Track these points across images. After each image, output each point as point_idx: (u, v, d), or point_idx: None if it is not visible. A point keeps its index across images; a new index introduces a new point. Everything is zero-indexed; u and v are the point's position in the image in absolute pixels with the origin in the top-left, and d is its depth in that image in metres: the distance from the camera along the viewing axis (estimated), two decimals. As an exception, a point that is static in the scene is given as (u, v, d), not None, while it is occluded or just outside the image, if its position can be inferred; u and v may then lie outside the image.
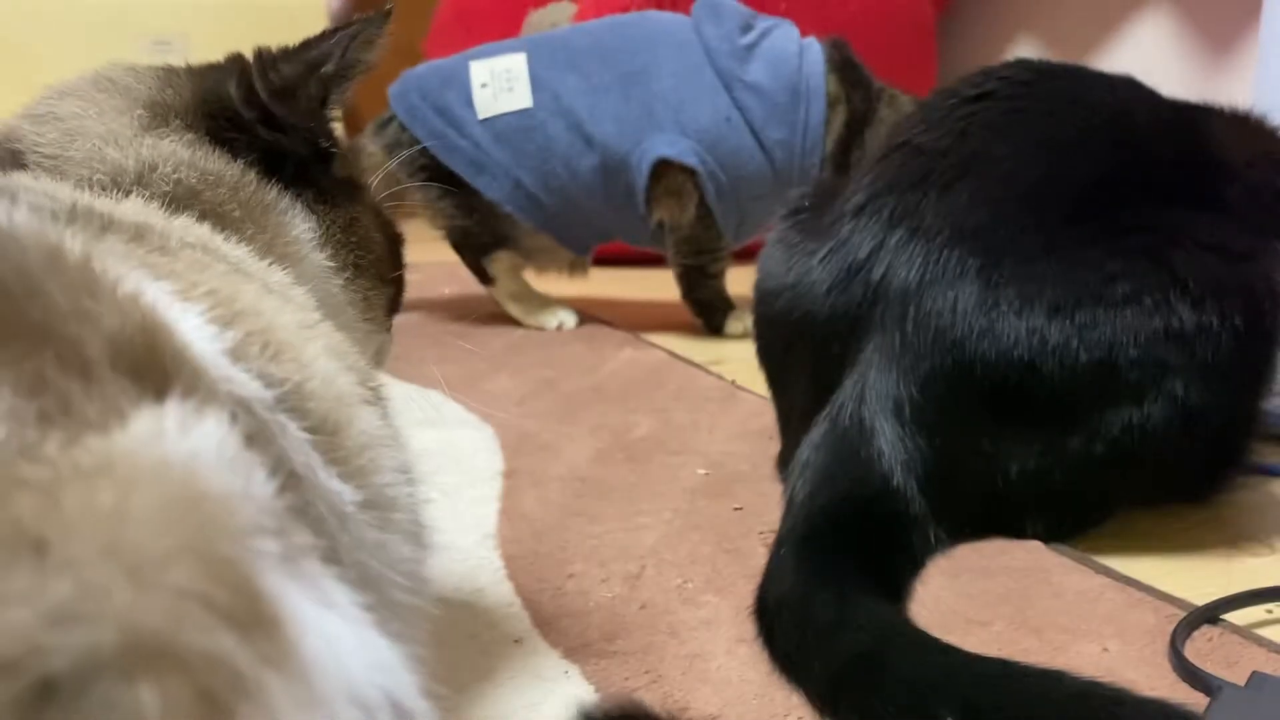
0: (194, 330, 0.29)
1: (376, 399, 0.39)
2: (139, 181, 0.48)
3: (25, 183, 0.41)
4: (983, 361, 0.66)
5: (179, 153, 0.50)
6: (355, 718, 0.22)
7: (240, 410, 0.28)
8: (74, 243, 0.27)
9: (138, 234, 0.37)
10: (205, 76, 0.56)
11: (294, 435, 0.31)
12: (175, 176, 0.48)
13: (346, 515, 0.32)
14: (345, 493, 0.32)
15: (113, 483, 0.20)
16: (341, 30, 0.57)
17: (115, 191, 0.46)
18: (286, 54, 0.56)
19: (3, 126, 0.50)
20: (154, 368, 0.25)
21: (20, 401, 0.21)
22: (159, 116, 0.52)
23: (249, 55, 0.56)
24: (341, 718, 0.21)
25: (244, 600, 0.20)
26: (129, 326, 0.25)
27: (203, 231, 0.45)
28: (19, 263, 0.24)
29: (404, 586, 0.35)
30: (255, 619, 0.20)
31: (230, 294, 0.33)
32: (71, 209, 0.36)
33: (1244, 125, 0.79)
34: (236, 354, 0.30)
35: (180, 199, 0.48)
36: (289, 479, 0.28)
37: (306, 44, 0.57)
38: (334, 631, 0.23)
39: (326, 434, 0.33)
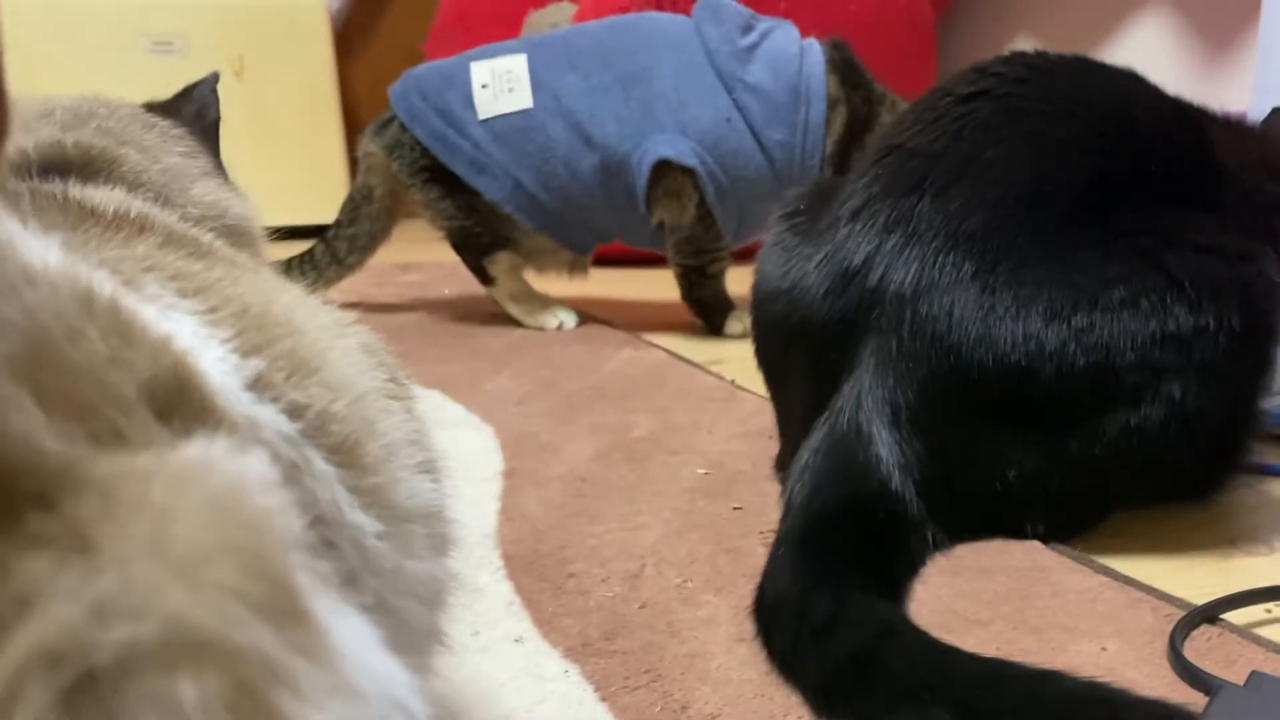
0: (216, 363, 0.30)
1: (405, 394, 0.40)
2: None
3: (79, 195, 0.42)
4: (980, 366, 0.66)
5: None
6: (383, 710, 0.22)
7: (270, 452, 0.29)
8: (103, 286, 0.28)
9: (170, 237, 0.38)
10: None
11: (320, 471, 0.31)
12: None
13: (367, 549, 0.33)
14: (366, 525, 0.33)
15: (162, 485, 0.21)
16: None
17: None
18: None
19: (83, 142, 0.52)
20: (185, 413, 0.26)
21: (71, 425, 0.22)
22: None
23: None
24: (371, 708, 0.22)
25: (278, 594, 0.21)
26: (162, 373, 0.26)
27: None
28: (58, 308, 0.25)
29: (418, 612, 0.36)
30: (288, 612, 0.21)
31: (262, 307, 0.34)
32: (114, 215, 0.37)
33: (1237, 129, 0.79)
34: (261, 384, 0.31)
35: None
36: (316, 518, 0.29)
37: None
38: (358, 633, 0.24)
39: (347, 454, 0.33)
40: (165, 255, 0.35)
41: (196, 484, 0.22)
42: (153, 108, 0.62)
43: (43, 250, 0.27)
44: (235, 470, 0.23)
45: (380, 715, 0.22)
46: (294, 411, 0.31)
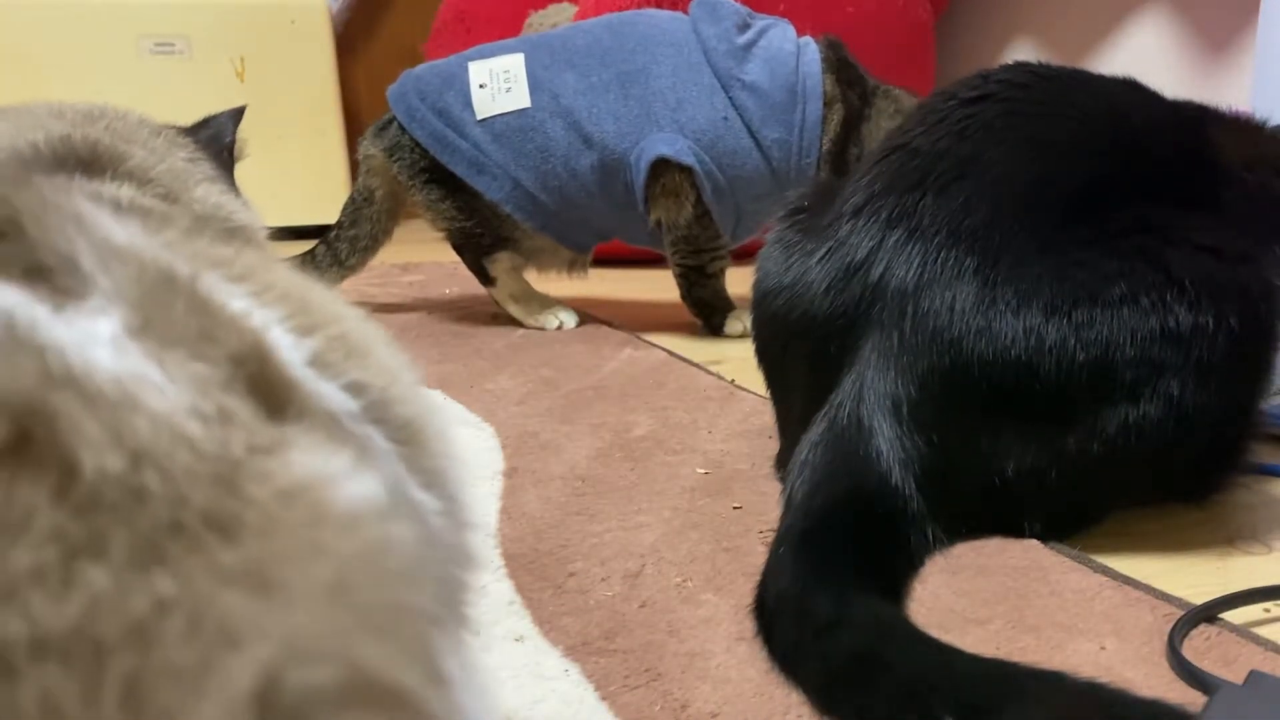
0: (279, 339, 0.30)
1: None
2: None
3: (114, 194, 0.42)
4: (980, 360, 0.66)
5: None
6: None
7: (339, 429, 0.29)
8: (181, 264, 0.28)
9: (198, 223, 0.38)
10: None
11: (381, 448, 0.31)
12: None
13: (430, 525, 0.33)
14: (429, 503, 0.33)
15: (330, 530, 0.22)
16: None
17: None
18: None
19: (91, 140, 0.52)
20: (269, 389, 0.26)
21: (199, 400, 0.23)
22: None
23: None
24: None
25: (427, 653, 0.23)
26: (245, 348, 0.26)
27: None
28: (148, 282, 0.25)
29: (469, 586, 0.36)
30: (433, 671, 0.23)
31: (301, 295, 0.33)
32: (133, 206, 0.38)
33: (1241, 128, 0.79)
34: (319, 363, 0.31)
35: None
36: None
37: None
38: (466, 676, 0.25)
39: (411, 433, 0.33)
40: (198, 243, 0.35)
41: (359, 529, 0.23)
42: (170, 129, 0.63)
43: (124, 230, 0.28)
44: (362, 494, 0.24)
45: None
46: (355, 390, 0.31)
